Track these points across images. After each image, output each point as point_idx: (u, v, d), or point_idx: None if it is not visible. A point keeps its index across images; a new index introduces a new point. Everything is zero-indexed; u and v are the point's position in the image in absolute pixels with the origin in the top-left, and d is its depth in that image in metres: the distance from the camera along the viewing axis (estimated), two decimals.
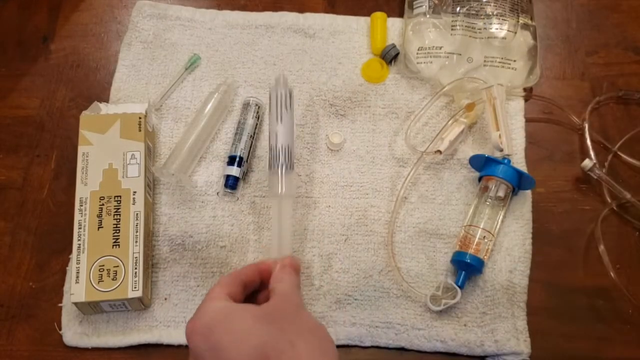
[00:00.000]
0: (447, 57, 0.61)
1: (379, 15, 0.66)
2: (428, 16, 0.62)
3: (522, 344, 0.51)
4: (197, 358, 0.39)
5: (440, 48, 0.61)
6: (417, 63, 0.61)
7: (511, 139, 0.59)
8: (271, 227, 0.55)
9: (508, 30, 0.61)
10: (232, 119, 0.61)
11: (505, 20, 0.61)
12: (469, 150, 0.59)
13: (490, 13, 0.61)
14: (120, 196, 0.53)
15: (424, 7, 0.63)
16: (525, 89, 0.62)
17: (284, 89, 0.53)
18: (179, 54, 0.64)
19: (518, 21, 0.62)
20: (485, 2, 0.62)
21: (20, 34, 0.67)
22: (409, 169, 0.58)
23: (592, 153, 0.58)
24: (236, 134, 0.59)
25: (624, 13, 0.68)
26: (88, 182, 0.53)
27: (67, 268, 0.54)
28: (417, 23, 0.63)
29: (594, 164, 0.57)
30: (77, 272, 0.50)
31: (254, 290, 0.46)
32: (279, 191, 0.51)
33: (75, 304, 0.50)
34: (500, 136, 0.56)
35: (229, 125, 0.61)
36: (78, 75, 0.64)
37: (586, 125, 0.59)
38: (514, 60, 0.61)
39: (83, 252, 0.51)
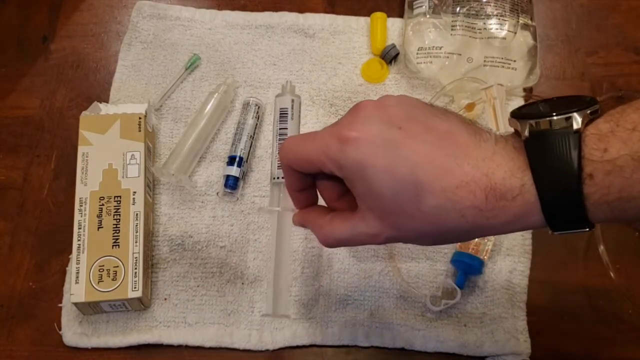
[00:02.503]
0: (447, 57, 0.61)
1: (379, 15, 0.66)
2: (428, 16, 0.62)
3: (522, 344, 0.51)
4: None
5: (440, 48, 0.61)
6: (417, 63, 0.61)
7: None
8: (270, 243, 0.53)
9: (508, 31, 0.61)
10: (232, 119, 0.61)
11: (505, 20, 0.61)
12: None
13: (490, 13, 0.61)
14: (120, 196, 0.53)
15: (424, 7, 0.63)
16: (525, 89, 0.62)
17: (290, 97, 0.54)
18: (179, 54, 0.64)
19: (518, 21, 0.62)
20: (485, 2, 0.62)
21: (20, 34, 0.67)
22: None
23: None
24: (236, 134, 0.59)
25: (624, 13, 0.68)
26: (88, 182, 0.53)
27: (67, 268, 0.54)
28: (417, 23, 0.63)
29: None
30: (77, 273, 0.50)
31: None
32: (279, 208, 0.51)
33: (75, 304, 0.50)
34: None
35: (229, 125, 0.61)
36: (78, 75, 0.64)
37: None
38: (514, 60, 0.61)
39: (83, 252, 0.51)
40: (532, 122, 0.33)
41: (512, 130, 0.36)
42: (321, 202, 0.42)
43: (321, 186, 0.42)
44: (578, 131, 0.32)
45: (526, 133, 0.34)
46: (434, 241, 0.39)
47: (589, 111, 0.33)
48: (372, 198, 0.36)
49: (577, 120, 0.32)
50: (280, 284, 0.50)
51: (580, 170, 0.32)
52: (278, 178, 0.52)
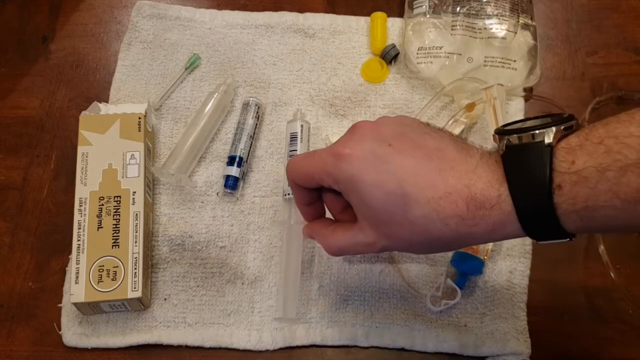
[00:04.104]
0: (447, 57, 0.61)
1: (379, 15, 0.65)
2: (428, 16, 0.62)
3: (522, 344, 0.51)
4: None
5: (440, 48, 0.61)
6: (417, 63, 0.61)
7: None
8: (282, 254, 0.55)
9: (508, 30, 0.61)
10: (232, 119, 0.61)
11: (505, 20, 0.61)
12: None
13: (490, 13, 0.61)
14: (119, 196, 0.53)
15: (424, 7, 0.63)
16: (525, 89, 0.62)
17: (300, 122, 0.57)
18: (179, 54, 0.64)
19: (518, 21, 0.62)
20: (485, 2, 0.62)
21: (20, 34, 0.67)
22: None
23: None
24: (236, 134, 0.59)
25: (624, 13, 0.67)
26: (87, 183, 0.53)
27: (67, 268, 0.54)
28: (417, 23, 0.63)
29: None
30: (77, 273, 0.50)
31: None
32: (290, 220, 0.54)
33: (75, 304, 0.50)
34: None
35: (229, 125, 0.61)
36: (78, 75, 0.64)
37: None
38: (514, 60, 0.61)
39: (82, 253, 0.51)
40: (509, 137, 0.36)
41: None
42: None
43: (326, 200, 0.45)
44: (550, 145, 0.34)
45: (503, 147, 0.36)
46: (424, 249, 0.41)
47: (562, 127, 0.35)
48: (366, 209, 0.39)
49: (549, 135, 0.35)
50: (289, 289, 0.52)
51: (550, 181, 0.34)
52: (289, 194, 0.54)
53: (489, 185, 0.36)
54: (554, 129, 0.35)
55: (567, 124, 0.35)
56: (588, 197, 0.33)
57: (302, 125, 0.57)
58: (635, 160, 0.32)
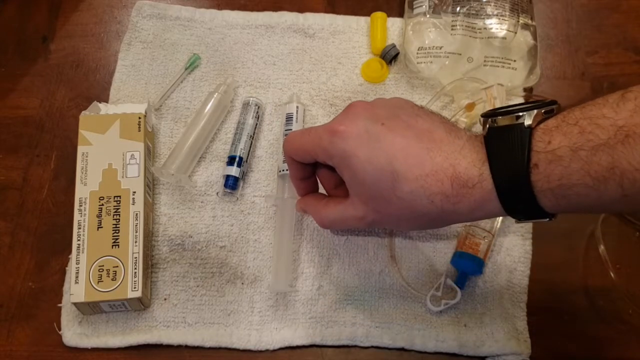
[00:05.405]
0: (447, 56, 0.61)
1: (379, 15, 0.65)
2: (428, 16, 0.62)
3: (522, 344, 0.51)
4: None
5: (440, 48, 0.61)
6: (417, 63, 0.61)
7: None
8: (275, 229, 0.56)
9: (508, 30, 0.61)
10: (231, 119, 0.61)
11: (505, 20, 0.61)
12: None
13: (490, 13, 0.61)
14: (119, 196, 0.53)
15: (424, 7, 0.63)
16: (525, 89, 0.62)
17: (296, 104, 0.59)
18: (179, 54, 0.64)
19: (518, 21, 0.61)
20: (485, 2, 0.62)
21: (20, 34, 0.67)
22: None
23: None
24: (236, 134, 0.59)
25: (624, 13, 0.67)
26: (87, 182, 0.53)
27: (67, 268, 0.54)
28: (417, 23, 0.63)
29: None
30: (77, 273, 0.50)
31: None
32: (283, 196, 0.55)
33: (75, 304, 0.50)
34: None
35: (229, 125, 0.61)
36: (78, 75, 0.64)
37: None
38: (514, 60, 0.61)
39: (82, 252, 0.51)
40: (493, 119, 0.38)
41: None
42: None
43: (321, 176, 0.48)
44: (529, 127, 0.36)
45: (486, 129, 0.38)
46: (411, 225, 0.44)
47: (543, 110, 0.37)
48: (357, 184, 0.41)
49: (529, 118, 0.36)
50: (282, 261, 0.53)
51: (528, 160, 0.35)
52: (283, 170, 0.55)
53: (472, 165, 0.37)
54: (534, 111, 0.36)
55: (548, 107, 0.37)
56: (562, 175, 0.34)
57: (297, 107, 0.59)
58: (605, 140, 0.33)
